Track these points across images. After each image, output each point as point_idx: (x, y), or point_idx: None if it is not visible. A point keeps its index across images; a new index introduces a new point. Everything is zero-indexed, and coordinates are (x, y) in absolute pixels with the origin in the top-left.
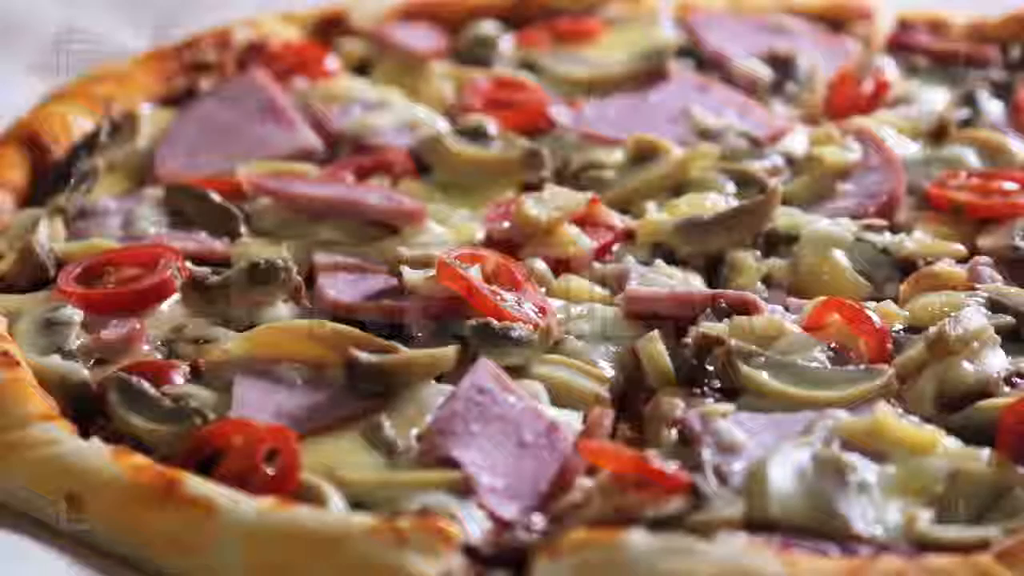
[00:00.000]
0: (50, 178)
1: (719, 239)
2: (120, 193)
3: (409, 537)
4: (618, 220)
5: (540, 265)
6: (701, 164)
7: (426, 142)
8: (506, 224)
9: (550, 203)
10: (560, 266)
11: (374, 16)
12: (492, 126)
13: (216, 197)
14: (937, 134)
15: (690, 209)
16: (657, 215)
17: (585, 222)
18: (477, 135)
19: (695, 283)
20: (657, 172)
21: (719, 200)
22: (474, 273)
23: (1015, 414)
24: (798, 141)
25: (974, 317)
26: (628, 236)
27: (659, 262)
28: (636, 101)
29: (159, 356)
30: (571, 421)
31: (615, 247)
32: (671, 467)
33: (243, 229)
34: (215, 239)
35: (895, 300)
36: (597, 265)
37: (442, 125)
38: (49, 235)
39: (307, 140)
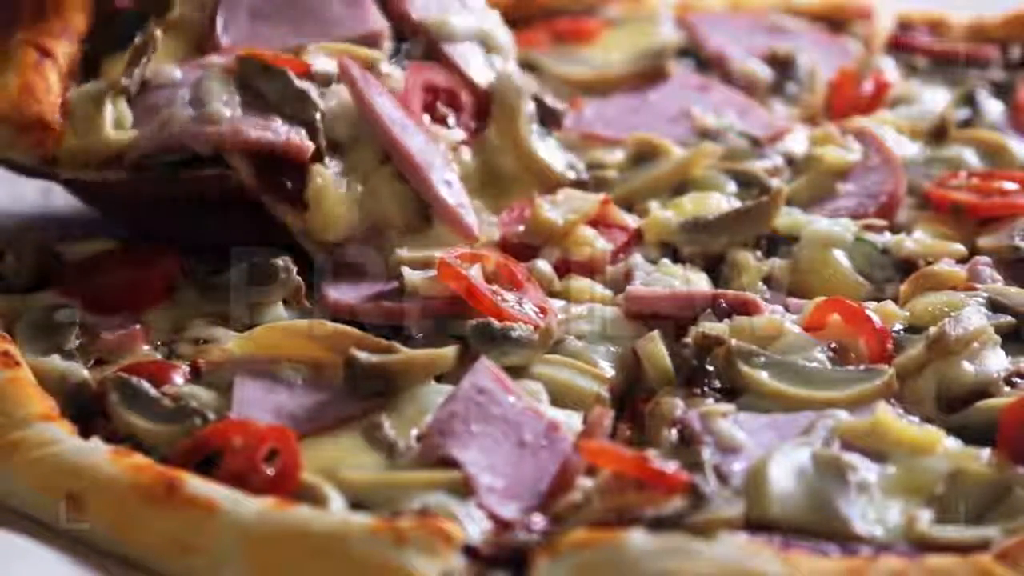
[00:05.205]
0: (113, 29)
1: (722, 239)
2: (182, 60)
3: (409, 537)
4: (631, 220)
5: (542, 266)
6: (704, 163)
7: (508, 90)
8: (521, 228)
9: (565, 206)
10: (577, 268)
11: None
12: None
13: (295, 79)
14: (937, 134)
15: (694, 208)
16: (662, 213)
17: (598, 223)
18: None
19: (700, 283)
20: (660, 171)
21: (722, 200)
22: (474, 273)
23: (1015, 414)
24: (798, 141)
25: (974, 317)
26: (637, 235)
27: (665, 261)
28: (636, 101)
29: (159, 356)
30: (571, 421)
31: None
32: (671, 467)
33: (318, 117)
34: (291, 127)
35: (895, 300)
36: (609, 267)
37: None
38: (115, 119)
39: (375, 24)
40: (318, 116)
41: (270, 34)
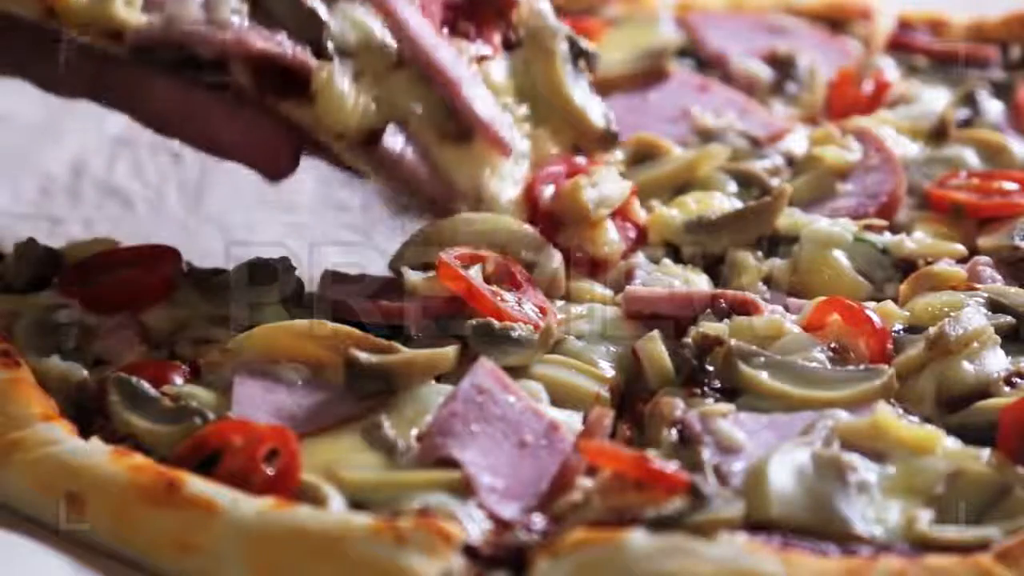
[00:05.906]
0: None
1: (725, 239)
2: None
3: (409, 537)
4: (643, 215)
5: (545, 264)
6: (710, 164)
7: (542, 29)
8: (551, 190)
9: (600, 191)
10: (584, 264)
11: None
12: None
13: None
14: (937, 134)
15: (699, 207)
16: (667, 212)
17: (616, 215)
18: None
19: (700, 283)
20: (665, 171)
21: (723, 200)
22: (474, 273)
23: (1015, 414)
24: (798, 141)
25: (974, 317)
26: (643, 234)
27: (667, 261)
28: (636, 101)
29: (159, 356)
30: (571, 421)
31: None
32: (671, 467)
33: (329, 43)
34: (297, 44)
35: (895, 300)
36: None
37: None
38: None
39: None
40: (325, 36)
41: None
